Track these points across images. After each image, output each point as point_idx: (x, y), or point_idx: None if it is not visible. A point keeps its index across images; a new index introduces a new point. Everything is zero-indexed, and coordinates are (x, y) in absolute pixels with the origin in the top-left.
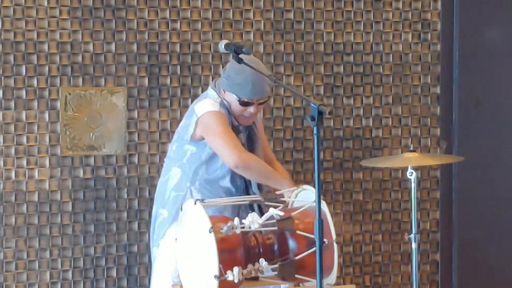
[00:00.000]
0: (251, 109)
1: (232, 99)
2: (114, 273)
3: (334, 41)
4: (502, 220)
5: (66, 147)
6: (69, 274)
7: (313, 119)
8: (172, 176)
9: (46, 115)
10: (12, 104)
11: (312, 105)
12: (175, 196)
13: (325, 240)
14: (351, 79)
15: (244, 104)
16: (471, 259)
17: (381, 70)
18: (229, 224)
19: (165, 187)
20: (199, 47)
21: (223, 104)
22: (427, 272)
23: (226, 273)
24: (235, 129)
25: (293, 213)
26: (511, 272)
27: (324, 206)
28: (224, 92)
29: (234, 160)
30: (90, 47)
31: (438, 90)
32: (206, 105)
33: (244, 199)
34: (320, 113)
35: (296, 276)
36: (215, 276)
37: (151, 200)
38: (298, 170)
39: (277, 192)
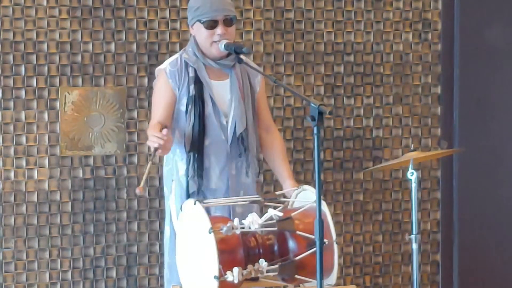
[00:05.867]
0: (218, 30)
1: (198, 28)
2: (113, 273)
3: (335, 40)
4: (503, 220)
5: (65, 147)
6: (69, 275)
7: (313, 119)
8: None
9: (46, 115)
10: (11, 104)
11: (313, 105)
12: (167, 171)
13: (325, 240)
14: (352, 79)
15: (210, 26)
16: (472, 260)
17: (382, 70)
18: (229, 224)
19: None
20: None
21: (180, 57)
22: (427, 272)
23: (226, 274)
24: (189, 80)
25: (293, 214)
26: None
27: (324, 206)
28: (192, 28)
29: None
30: (90, 46)
31: (438, 90)
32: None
33: (244, 199)
34: (320, 113)
35: (296, 276)
36: (215, 277)
37: (151, 200)
38: (298, 170)
39: (277, 193)
